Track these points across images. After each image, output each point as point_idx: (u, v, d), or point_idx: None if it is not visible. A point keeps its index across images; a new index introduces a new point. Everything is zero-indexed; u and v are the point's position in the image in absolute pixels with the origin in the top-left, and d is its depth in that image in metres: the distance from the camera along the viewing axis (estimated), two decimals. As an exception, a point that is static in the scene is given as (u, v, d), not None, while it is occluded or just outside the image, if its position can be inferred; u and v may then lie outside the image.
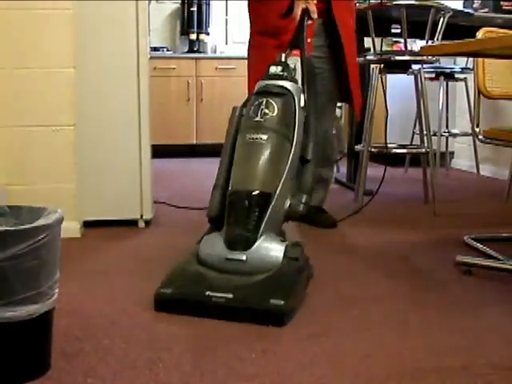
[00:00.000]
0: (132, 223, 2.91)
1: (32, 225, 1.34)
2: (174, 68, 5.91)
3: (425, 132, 3.51)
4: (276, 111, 2.04)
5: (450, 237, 2.77)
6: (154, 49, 5.91)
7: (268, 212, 1.93)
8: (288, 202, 2.02)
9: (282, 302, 1.70)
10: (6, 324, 1.30)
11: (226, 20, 6.52)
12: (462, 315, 1.83)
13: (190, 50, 6.27)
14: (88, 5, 2.72)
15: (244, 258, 1.85)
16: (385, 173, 3.22)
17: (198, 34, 6.26)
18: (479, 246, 2.50)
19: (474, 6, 4.33)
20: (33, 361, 1.38)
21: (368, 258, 2.48)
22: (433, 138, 3.62)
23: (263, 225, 1.91)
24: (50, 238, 1.35)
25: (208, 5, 6.32)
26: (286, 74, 2.14)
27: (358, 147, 3.77)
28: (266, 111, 2.03)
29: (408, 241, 2.73)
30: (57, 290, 1.41)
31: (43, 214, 1.43)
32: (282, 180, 1.99)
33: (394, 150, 3.84)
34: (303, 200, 2.04)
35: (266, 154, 1.99)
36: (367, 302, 1.94)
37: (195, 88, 5.96)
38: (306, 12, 2.51)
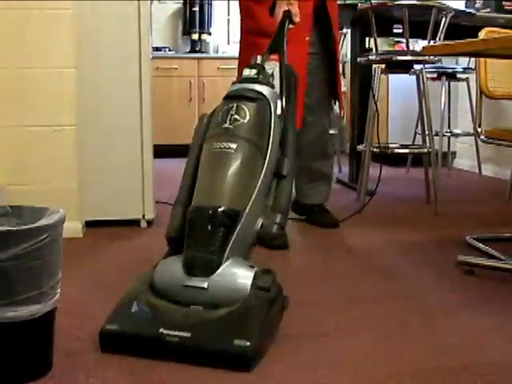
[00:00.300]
0: (134, 223, 2.91)
1: (34, 225, 1.35)
2: (176, 68, 5.92)
3: (427, 132, 3.51)
4: (248, 117, 1.77)
5: (451, 237, 2.77)
6: (156, 49, 5.92)
7: (235, 232, 1.64)
8: (260, 222, 1.74)
9: (248, 344, 1.44)
10: (8, 324, 1.31)
11: (228, 20, 6.53)
12: (462, 315, 1.83)
13: (192, 50, 6.28)
14: (88, 5, 2.73)
15: (205, 285, 1.57)
16: (380, 172, 3.20)
17: (199, 33, 6.27)
18: (481, 245, 2.50)
19: (476, 6, 4.33)
20: (35, 361, 1.39)
21: (369, 258, 2.48)
22: (435, 137, 3.62)
23: (229, 247, 1.62)
24: (52, 238, 1.35)
25: (210, 5, 6.32)
26: (261, 77, 1.89)
27: (359, 147, 3.77)
28: (237, 117, 1.77)
29: (409, 241, 2.73)
30: (59, 290, 1.41)
31: (45, 214, 1.43)
32: (253, 196, 1.71)
33: (396, 150, 3.84)
34: (277, 220, 1.76)
35: (234, 166, 1.71)
36: (367, 302, 1.94)
37: (197, 88, 5.97)
38: (287, 15, 2.33)
